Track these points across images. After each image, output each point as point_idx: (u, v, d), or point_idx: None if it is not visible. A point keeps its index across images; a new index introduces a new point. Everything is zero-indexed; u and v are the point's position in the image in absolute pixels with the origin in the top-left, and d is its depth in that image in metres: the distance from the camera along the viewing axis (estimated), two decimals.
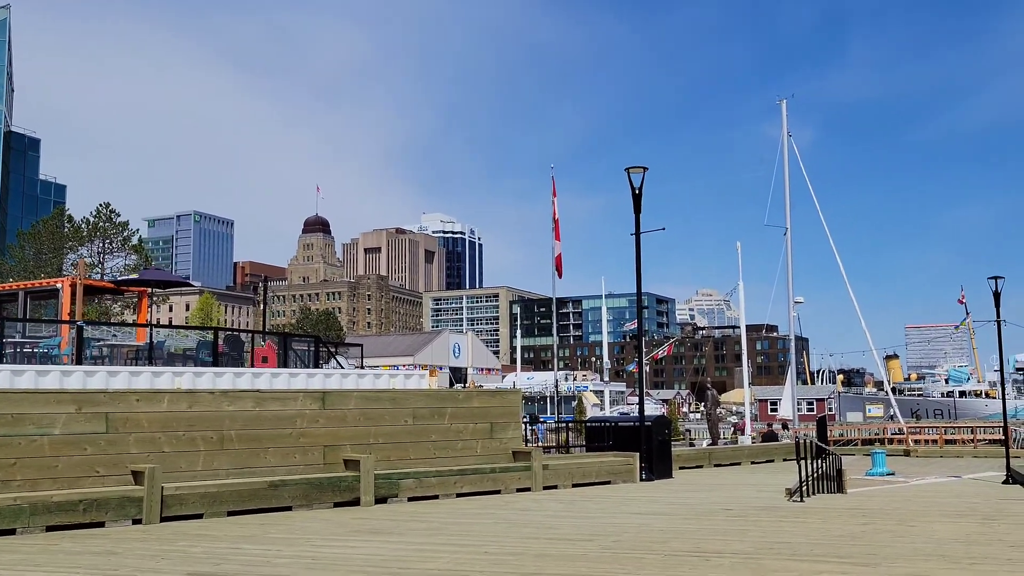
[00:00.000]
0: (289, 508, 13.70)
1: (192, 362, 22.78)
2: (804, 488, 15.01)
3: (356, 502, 14.32)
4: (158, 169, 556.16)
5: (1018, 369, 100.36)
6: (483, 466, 16.17)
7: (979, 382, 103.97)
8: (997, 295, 27.09)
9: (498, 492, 16.10)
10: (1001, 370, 26.80)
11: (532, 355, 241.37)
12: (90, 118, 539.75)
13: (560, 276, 53.24)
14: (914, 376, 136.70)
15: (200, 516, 12.84)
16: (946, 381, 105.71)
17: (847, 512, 13.01)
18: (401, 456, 15.69)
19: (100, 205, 61.13)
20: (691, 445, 46.28)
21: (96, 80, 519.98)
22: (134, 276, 23.69)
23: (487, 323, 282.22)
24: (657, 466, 19.04)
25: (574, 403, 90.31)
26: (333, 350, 28.64)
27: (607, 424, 20.18)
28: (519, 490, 16.42)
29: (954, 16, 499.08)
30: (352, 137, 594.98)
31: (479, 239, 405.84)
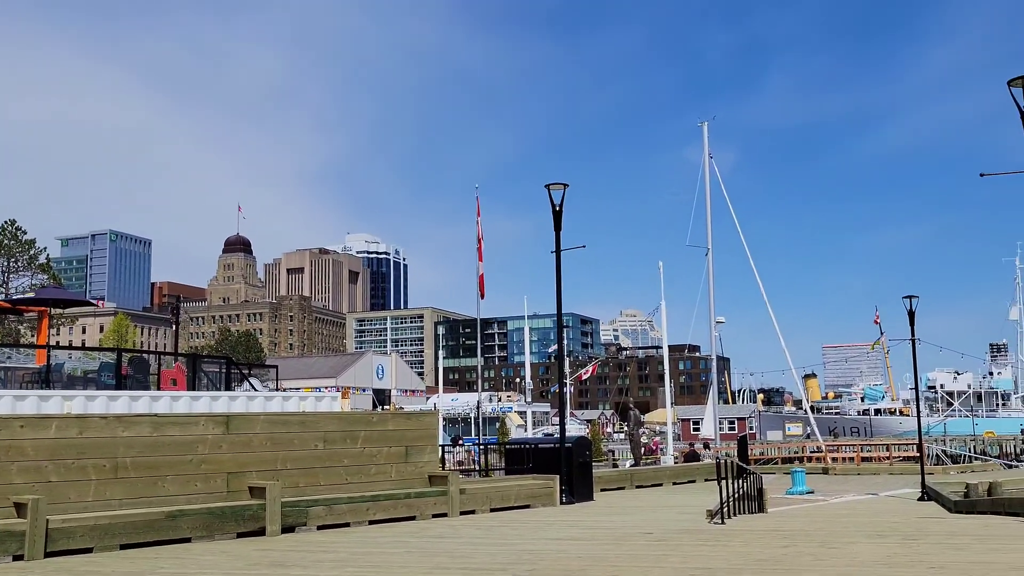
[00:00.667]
0: (188, 540, 12.89)
1: (94, 385, 21.72)
2: (725, 509, 14.74)
3: (262, 532, 13.57)
4: (72, 187, 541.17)
5: (930, 387, 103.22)
6: (397, 491, 15.55)
7: (893, 400, 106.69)
8: (912, 314, 27.45)
9: (413, 518, 15.49)
10: (916, 388, 27.11)
11: (457, 376, 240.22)
12: (2, 133, 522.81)
13: (483, 296, 52.86)
14: (831, 395, 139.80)
15: (90, 550, 11.97)
16: (862, 399, 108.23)
17: (769, 534, 12.75)
18: (311, 482, 14.98)
19: (6, 222, 58.85)
20: (614, 466, 46.20)
21: (9, 94, 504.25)
22: (30, 295, 22.43)
23: (412, 344, 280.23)
24: (578, 489, 18.63)
25: (498, 424, 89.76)
26: (247, 372, 27.72)
27: (527, 446, 19.71)
28: (435, 516, 15.84)
29: (868, 45, 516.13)
30: (275, 157, 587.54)
31: (404, 260, 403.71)
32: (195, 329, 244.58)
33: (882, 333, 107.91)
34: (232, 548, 12.34)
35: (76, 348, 25.90)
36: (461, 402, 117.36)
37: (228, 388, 23.72)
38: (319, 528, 14.28)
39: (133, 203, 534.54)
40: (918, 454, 43.29)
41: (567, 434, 20.35)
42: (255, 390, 24.58)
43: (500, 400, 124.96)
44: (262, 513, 13.63)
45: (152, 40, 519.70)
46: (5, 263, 58.23)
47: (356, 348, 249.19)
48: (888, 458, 44.53)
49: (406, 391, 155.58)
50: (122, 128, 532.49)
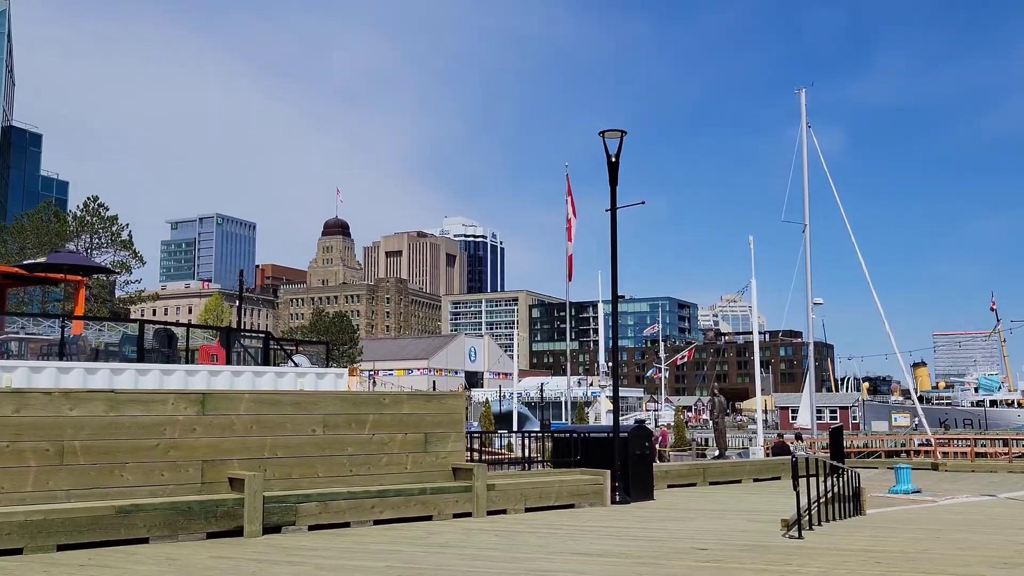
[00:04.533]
0: (146, 540, 10.81)
1: (118, 358, 20.13)
2: (805, 519, 11.91)
3: (239, 532, 11.40)
4: (181, 172, 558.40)
5: None
6: (410, 486, 13.17)
7: (1011, 391, 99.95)
8: None
9: (430, 518, 13.12)
10: None
11: (552, 360, 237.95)
12: (115, 120, 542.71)
13: (570, 279, 50.29)
14: (942, 384, 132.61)
15: (20, 551, 9.98)
16: (976, 390, 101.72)
17: (858, 557, 9.90)
18: (307, 473, 12.73)
19: (88, 198, 58.75)
20: (702, 456, 43.13)
21: (121, 83, 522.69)
22: (42, 260, 20.83)
23: (506, 327, 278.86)
24: (634, 485, 15.96)
25: (587, 409, 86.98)
26: (291, 349, 25.89)
27: (576, 435, 17.09)
28: (457, 515, 13.44)
29: (982, 22, 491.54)
30: (375, 140, 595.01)
31: (501, 243, 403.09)
32: (294, 310, 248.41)
33: (998, 320, 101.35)
34: (187, 553, 10.17)
35: (90, 318, 24.41)
36: (552, 386, 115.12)
37: (267, 364, 21.88)
38: (311, 528, 12.03)
39: (239, 187, 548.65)
40: None
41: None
42: (296, 366, 22.68)
43: (592, 384, 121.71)
44: (239, 509, 11.44)
45: (260, 25, 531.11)
46: (88, 240, 58.20)
47: (451, 331, 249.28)
48: (1007, 454, 40.30)
49: (498, 374, 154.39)
50: (229, 114, 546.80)
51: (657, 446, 38.48)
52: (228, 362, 20.63)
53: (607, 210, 16.42)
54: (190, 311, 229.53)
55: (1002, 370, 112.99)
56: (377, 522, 12.63)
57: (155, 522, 10.89)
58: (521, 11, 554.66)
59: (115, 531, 10.63)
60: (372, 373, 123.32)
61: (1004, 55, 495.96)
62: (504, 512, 13.97)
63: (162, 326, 21.74)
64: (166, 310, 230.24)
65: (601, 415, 79.66)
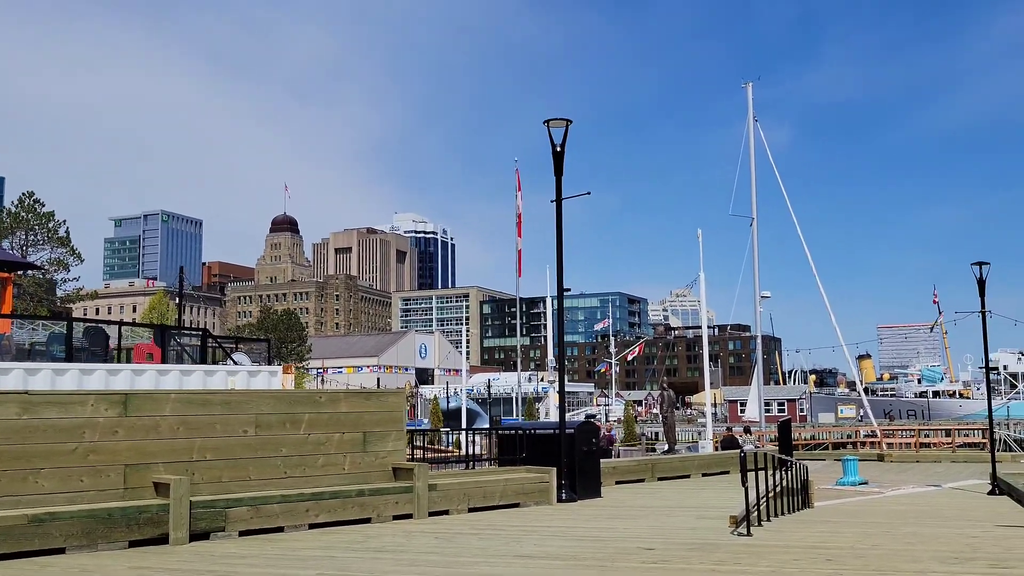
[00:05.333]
0: (62, 550, 10.17)
1: (45, 358, 19.30)
2: (754, 515, 11.63)
3: (164, 539, 10.79)
4: (126, 168, 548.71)
5: (992, 368, 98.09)
6: (347, 488, 12.65)
7: (952, 382, 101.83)
8: (982, 283, 24.00)
9: (368, 520, 12.61)
10: (987, 364, 23.68)
11: (503, 356, 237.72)
12: (56, 114, 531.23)
13: (520, 274, 49.92)
14: (887, 376, 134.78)
15: None
16: (919, 381, 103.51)
17: (808, 555, 9.62)
18: (238, 476, 12.14)
19: (23, 194, 57.00)
20: (652, 450, 43.12)
21: (63, 76, 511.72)
22: None
23: (457, 323, 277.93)
24: (581, 483, 15.59)
25: (537, 404, 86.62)
26: (231, 347, 25.17)
27: (522, 432, 16.68)
28: (398, 517, 12.94)
29: (929, 17, 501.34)
30: (324, 136, 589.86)
31: (451, 239, 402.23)
32: (242, 308, 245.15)
33: (940, 312, 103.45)
34: (106, 564, 9.56)
35: (16, 316, 23.47)
36: (502, 381, 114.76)
37: (204, 362, 21.19)
38: (241, 534, 11.46)
39: (185, 184, 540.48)
40: (983, 440, 39.60)
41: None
42: (235, 364, 22.01)
43: (542, 380, 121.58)
44: (164, 516, 10.83)
45: (208, 19, 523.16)
46: (24, 236, 56.49)
47: (402, 327, 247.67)
48: (949, 443, 40.85)
49: (449, 370, 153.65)
50: (175, 109, 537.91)
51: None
52: (164, 360, 19.92)
53: (552, 200, 16.04)
54: (134, 310, 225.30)
55: (944, 361, 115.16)
56: (313, 526, 12.09)
57: (72, 531, 10.24)
58: (469, 4, 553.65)
59: (28, 541, 9.97)
60: (321, 371, 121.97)
61: (949, 50, 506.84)
62: (447, 513, 13.51)
63: (93, 324, 20.93)
64: (109, 309, 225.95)
65: (551, 411, 79.57)
